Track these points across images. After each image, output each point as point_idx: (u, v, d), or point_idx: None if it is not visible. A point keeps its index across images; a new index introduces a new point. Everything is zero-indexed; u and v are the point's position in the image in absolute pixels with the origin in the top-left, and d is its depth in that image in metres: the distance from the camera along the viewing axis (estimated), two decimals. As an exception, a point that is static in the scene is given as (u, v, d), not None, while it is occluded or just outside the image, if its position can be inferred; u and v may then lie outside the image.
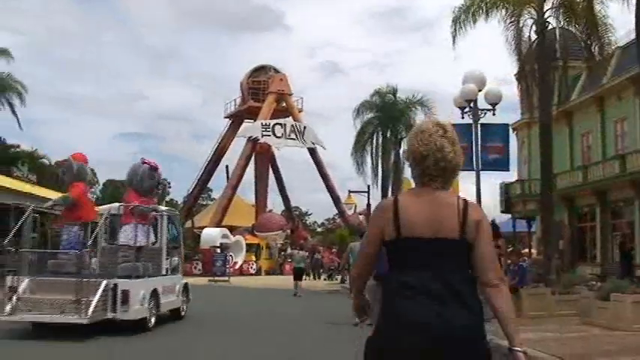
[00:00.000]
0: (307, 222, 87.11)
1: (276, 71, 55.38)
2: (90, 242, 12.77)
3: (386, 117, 38.54)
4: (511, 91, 35.65)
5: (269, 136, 51.32)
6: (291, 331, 13.72)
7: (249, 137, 51.76)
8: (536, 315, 13.37)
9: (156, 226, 14.18)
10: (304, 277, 31.13)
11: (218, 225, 46.36)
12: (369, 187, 39.06)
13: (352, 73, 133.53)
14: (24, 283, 11.98)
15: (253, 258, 46.70)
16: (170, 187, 68.38)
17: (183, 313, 15.40)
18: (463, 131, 14.77)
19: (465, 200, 2.93)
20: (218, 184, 63.06)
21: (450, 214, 2.85)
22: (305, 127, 53.11)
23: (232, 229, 46.70)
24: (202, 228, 46.47)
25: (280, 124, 52.13)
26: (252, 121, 53.60)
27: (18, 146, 44.08)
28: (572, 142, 34.77)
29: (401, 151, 38.21)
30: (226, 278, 34.81)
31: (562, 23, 21.29)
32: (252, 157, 53.37)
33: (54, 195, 26.80)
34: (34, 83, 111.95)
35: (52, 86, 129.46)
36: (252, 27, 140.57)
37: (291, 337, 12.81)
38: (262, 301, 23.19)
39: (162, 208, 15.37)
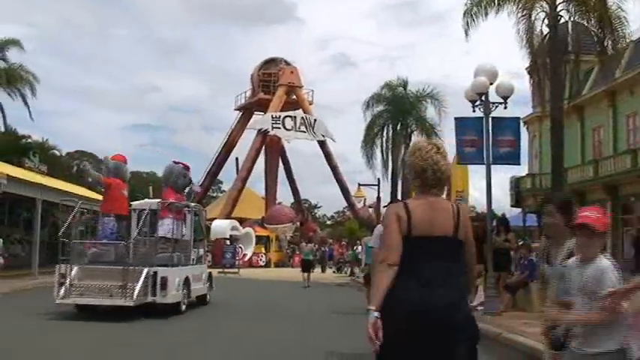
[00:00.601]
0: (317, 214, 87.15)
1: (287, 63, 55.33)
2: (135, 233, 14.34)
3: (396, 110, 38.33)
4: (523, 85, 35.64)
5: (279, 128, 51.31)
6: (302, 317, 14.96)
7: (259, 129, 51.80)
8: (546, 309, 13.29)
9: (185, 220, 15.56)
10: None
11: (228, 217, 46.45)
12: (379, 180, 39.00)
13: (363, 66, 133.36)
14: (74, 271, 13.47)
15: (263, 250, 46.81)
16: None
17: (208, 300, 16.87)
18: (474, 125, 14.71)
19: (457, 205, 3.74)
20: (228, 176, 63.07)
21: (446, 217, 3.54)
22: (315, 120, 53.06)
23: (242, 221, 46.77)
24: (212, 220, 46.58)
25: (290, 116, 52.12)
26: (262, 113, 53.62)
27: (29, 137, 44.29)
28: (583, 137, 34.61)
29: (411, 144, 38.11)
30: (236, 270, 34.89)
31: (574, 16, 21.10)
32: (262, 150, 53.41)
33: (65, 186, 27.12)
34: (45, 75, 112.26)
35: (64, 78, 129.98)
36: (263, 19, 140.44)
37: (302, 322, 14.08)
38: (273, 292, 23.49)
39: (192, 204, 16.70)
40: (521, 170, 35.68)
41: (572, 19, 21.45)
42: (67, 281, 13.23)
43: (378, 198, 38.80)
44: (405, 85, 39.31)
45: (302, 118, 52.37)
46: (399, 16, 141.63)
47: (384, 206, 27.56)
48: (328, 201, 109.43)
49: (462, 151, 15.26)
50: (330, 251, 46.64)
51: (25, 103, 37.38)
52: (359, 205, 52.36)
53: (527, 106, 38.83)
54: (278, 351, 9.94)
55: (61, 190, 26.21)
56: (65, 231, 14.21)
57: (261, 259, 45.90)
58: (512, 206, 37.28)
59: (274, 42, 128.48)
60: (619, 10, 20.12)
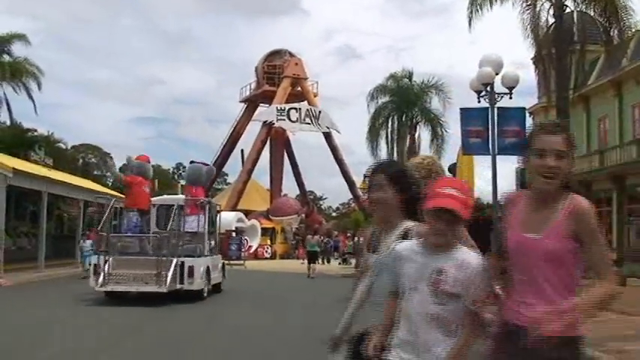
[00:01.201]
0: (322, 206, 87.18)
1: (292, 55, 55.24)
2: (170, 226, 16.09)
3: (401, 101, 38.25)
4: (528, 75, 35.31)
5: (284, 120, 51.31)
6: (309, 304, 16.43)
7: (265, 121, 51.79)
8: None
9: (205, 214, 17.19)
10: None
11: (233, 209, 46.45)
12: (384, 171, 38.85)
13: (368, 58, 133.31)
14: (111, 261, 15.02)
15: (268, 242, 46.88)
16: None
17: (222, 287, 18.39)
18: (479, 115, 14.65)
19: None
20: (233, 169, 63.36)
21: None
22: (320, 112, 53.02)
23: (247, 213, 46.84)
24: (218, 212, 46.58)
25: (295, 108, 52.09)
26: (267, 105, 53.60)
27: (35, 130, 44.39)
28: (589, 127, 34.44)
29: (416, 136, 38.08)
30: (242, 262, 34.93)
31: (580, 6, 21.03)
32: (268, 142, 53.41)
33: (71, 179, 27.33)
34: (49, 68, 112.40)
35: (68, 71, 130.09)
36: (268, 11, 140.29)
37: (311, 307, 15.52)
38: (280, 283, 24.01)
39: (210, 200, 18.48)
40: (527, 161, 35.48)
41: (577, 8, 21.37)
42: (106, 270, 14.75)
43: (384, 189, 38.75)
44: (410, 76, 39.24)
45: (307, 110, 52.35)
46: (405, 7, 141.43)
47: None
48: (334, 193, 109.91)
49: (467, 141, 15.18)
50: (335, 243, 46.69)
51: (30, 97, 37.51)
52: (364, 197, 52.25)
53: (533, 96, 38.73)
54: (293, 334, 10.95)
55: (66, 183, 26.30)
56: (102, 226, 15.94)
57: (266, 251, 45.98)
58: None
59: (279, 33, 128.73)
60: (625, -1, 20.05)
